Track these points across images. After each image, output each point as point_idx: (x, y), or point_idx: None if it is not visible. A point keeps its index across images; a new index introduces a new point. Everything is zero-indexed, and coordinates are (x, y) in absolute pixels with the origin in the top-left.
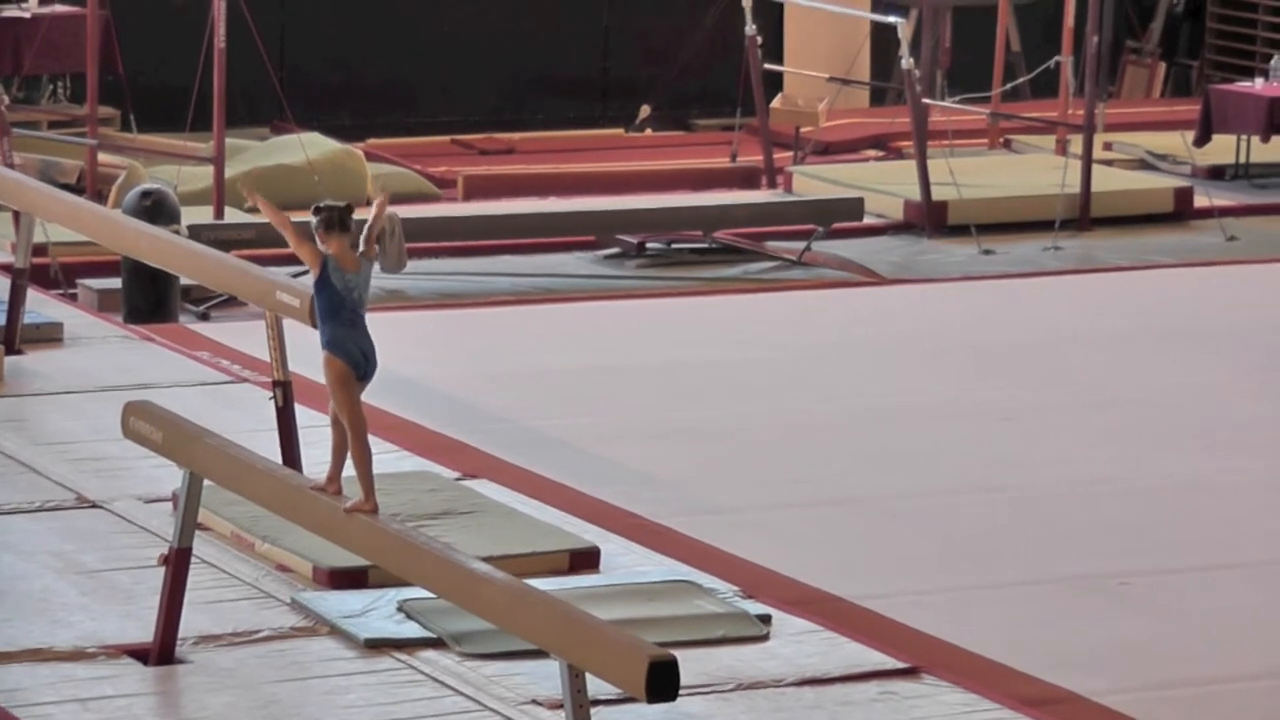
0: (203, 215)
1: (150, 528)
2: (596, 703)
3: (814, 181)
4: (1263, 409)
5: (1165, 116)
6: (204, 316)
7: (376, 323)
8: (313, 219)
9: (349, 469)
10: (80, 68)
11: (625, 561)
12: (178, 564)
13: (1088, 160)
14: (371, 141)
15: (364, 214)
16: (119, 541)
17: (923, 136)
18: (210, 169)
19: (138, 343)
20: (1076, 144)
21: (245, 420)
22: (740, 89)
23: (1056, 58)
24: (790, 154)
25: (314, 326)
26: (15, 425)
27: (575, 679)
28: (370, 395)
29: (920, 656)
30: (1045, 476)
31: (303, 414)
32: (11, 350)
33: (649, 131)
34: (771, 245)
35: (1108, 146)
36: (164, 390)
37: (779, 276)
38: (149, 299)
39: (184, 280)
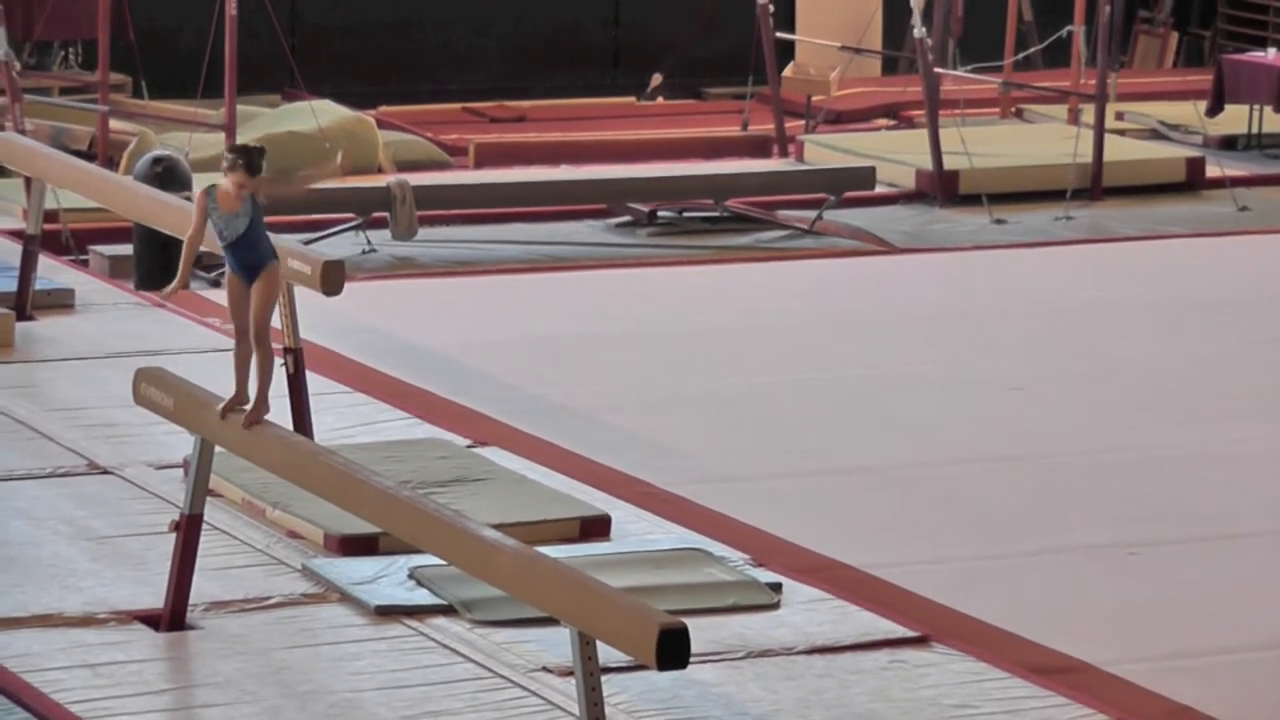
0: (214, 182)
1: (161, 494)
2: (607, 670)
3: (825, 150)
4: (1273, 379)
5: (1177, 86)
6: (215, 283)
7: (388, 290)
8: (231, 156)
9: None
10: (92, 34)
11: (636, 529)
12: (189, 530)
13: (1100, 130)
14: (383, 109)
15: (374, 180)
16: (130, 508)
17: (934, 105)
18: (221, 136)
19: (149, 309)
20: (1088, 113)
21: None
22: (752, 57)
23: (1068, 27)
24: (802, 123)
25: (325, 293)
26: (26, 391)
27: (586, 646)
28: (381, 362)
29: (930, 625)
30: (1055, 446)
31: (314, 381)
32: (23, 316)
33: (660, 100)
34: (783, 214)
35: (1120, 116)
36: (175, 356)
37: (790, 245)
38: (160, 265)
39: None
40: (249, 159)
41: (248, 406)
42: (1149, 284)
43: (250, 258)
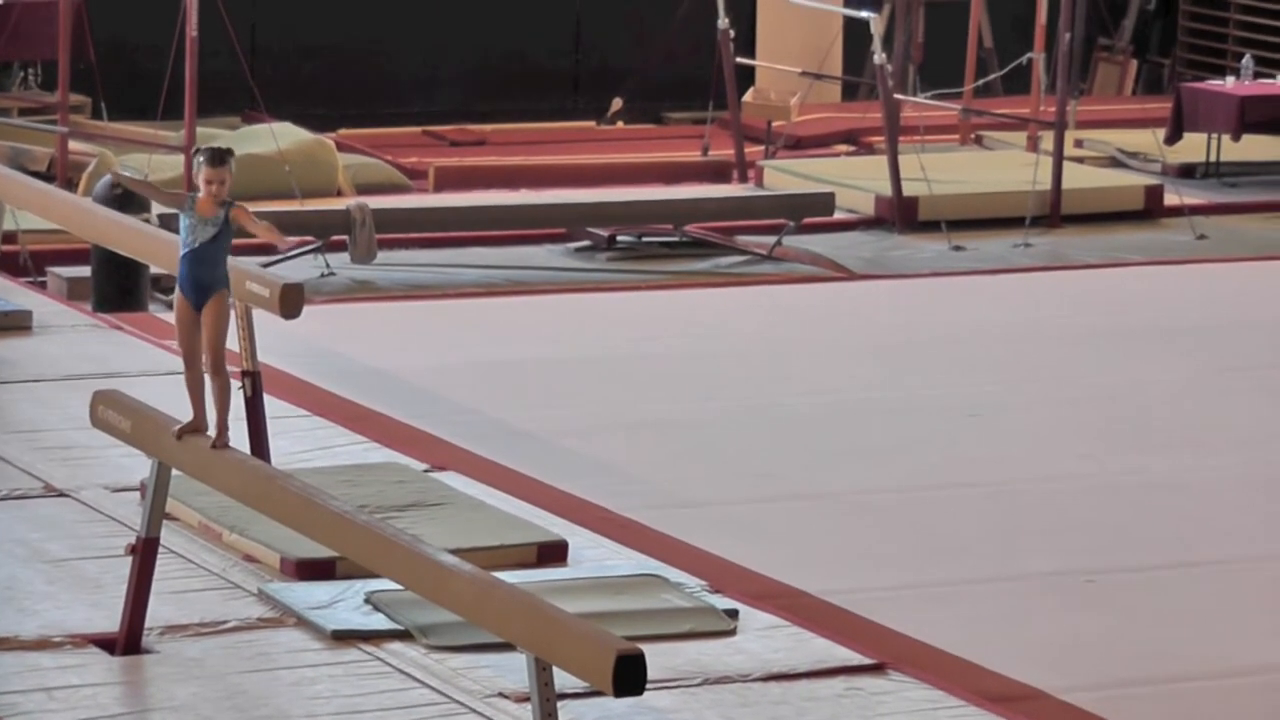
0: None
1: (118, 517)
2: (563, 696)
3: (785, 176)
4: (1230, 407)
5: (1136, 114)
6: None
7: (346, 314)
8: (198, 158)
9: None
10: (51, 55)
11: (593, 555)
12: (145, 554)
13: (1059, 157)
14: (343, 132)
15: (333, 203)
16: (86, 530)
17: (894, 132)
18: (181, 158)
19: (107, 331)
20: (1048, 141)
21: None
22: (712, 83)
23: (1028, 54)
24: (762, 148)
25: (283, 316)
26: None
27: (542, 672)
28: (339, 386)
29: (887, 652)
30: (1013, 473)
31: (271, 404)
32: None
33: (620, 124)
34: (742, 239)
35: (1079, 144)
36: (133, 379)
37: (749, 271)
38: (119, 287)
39: (154, 269)
40: (210, 152)
41: (210, 432)
42: (1107, 311)
43: (204, 275)
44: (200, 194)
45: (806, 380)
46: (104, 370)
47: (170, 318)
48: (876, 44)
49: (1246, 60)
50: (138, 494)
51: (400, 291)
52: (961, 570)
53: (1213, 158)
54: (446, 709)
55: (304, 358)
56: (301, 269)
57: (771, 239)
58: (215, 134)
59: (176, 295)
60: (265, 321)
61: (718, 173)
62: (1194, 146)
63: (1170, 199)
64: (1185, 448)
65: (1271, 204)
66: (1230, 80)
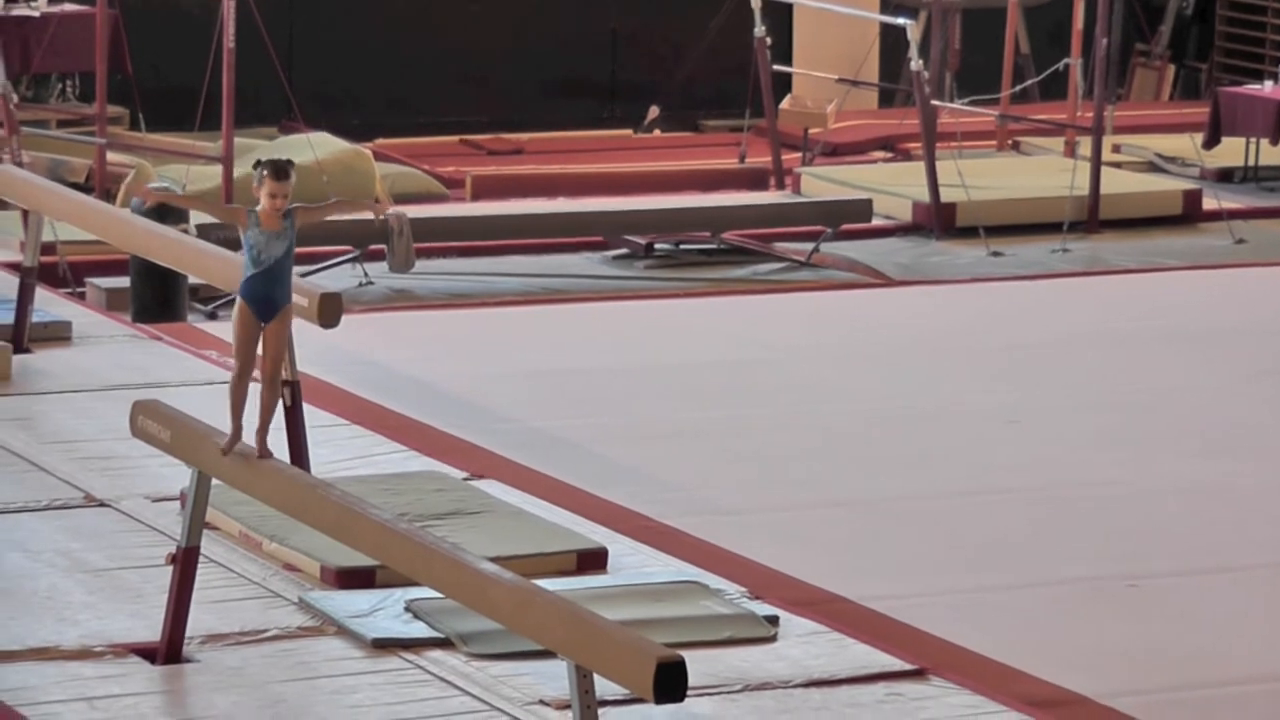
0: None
1: (158, 526)
2: (604, 703)
3: (822, 183)
4: (1271, 412)
5: (1174, 119)
6: (212, 315)
7: (385, 323)
8: (258, 171)
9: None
10: (89, 67)
11: (633, 562)
12: (185, 563)
13: (1096, 162)
14: (380, 141)
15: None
16: (126, 540)
17: (931, 138)
18: (219, 168)
19: (146, 341)
20: (1085, 146)
21: (253, 419)
22: (749, 90)
23: (1065, 60)
24: (799, 155)
25: (322, 326)
26: (23, 423)
27: (583, 679)
28: (378, 395)
29: (927, 658)
30: (1053, 479)
31: (311, 414)
32: (20, 349)
33: (657, 132)
34: (780, 246)
35: (1116, 149)
36: (172, 389)
37: (787, 278)
38: (157, 298)
39: (192, 279)
40: (273, 165)
41: (249, 440)
42: (1146, 316)
43: (275, 291)
44: (262, 207)
45: (844, 387)
46: (143, 380)
47: (208, 328)
48: (913, 50)
49: None
50: (178, 504)
51: (438, 300)
52: (1002, 576)
53: (1251, 162)
54: (487, 717)
55: (343, 367)
56: (340, 278)
57: (809, 246)
58: (253, 144)
59: (240, 308)
60: (304, 331)
61: (755, 180)
62: (1232, 151)
63: (1209, 203)
64: (1225, 452)
65: None
66: (1268, 84)
